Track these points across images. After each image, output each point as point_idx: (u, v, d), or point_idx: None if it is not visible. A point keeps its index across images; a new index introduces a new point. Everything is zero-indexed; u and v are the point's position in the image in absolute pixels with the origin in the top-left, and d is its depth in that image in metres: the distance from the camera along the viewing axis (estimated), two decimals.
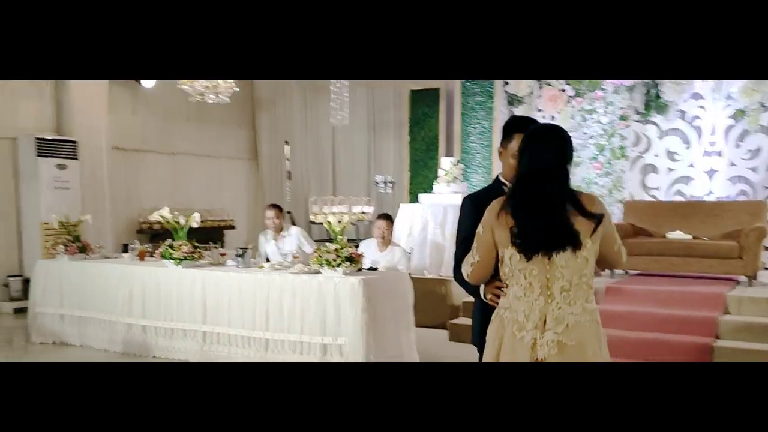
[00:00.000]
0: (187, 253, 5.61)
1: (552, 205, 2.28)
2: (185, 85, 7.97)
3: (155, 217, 5.87)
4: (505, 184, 2.72)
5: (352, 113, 10.60)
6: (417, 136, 9.81)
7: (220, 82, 8.11)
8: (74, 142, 8.58)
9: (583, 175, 8.64)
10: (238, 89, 8.37)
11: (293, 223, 8.01)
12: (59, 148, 8.36)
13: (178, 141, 10.58)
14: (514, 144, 2.59)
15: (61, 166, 8.35)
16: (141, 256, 6.13)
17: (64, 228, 6.37)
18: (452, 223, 7.23)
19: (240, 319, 5.32)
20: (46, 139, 8.25)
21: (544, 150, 2.36)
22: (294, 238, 6.34)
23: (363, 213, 8.26)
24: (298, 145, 11.18)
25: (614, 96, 8.47)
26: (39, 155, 8.15)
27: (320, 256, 5.08)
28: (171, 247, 5.64)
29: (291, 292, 5.13)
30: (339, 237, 5.15)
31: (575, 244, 2.27)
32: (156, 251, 5.88)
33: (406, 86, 10.00)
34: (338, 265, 5.01)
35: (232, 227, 10.75)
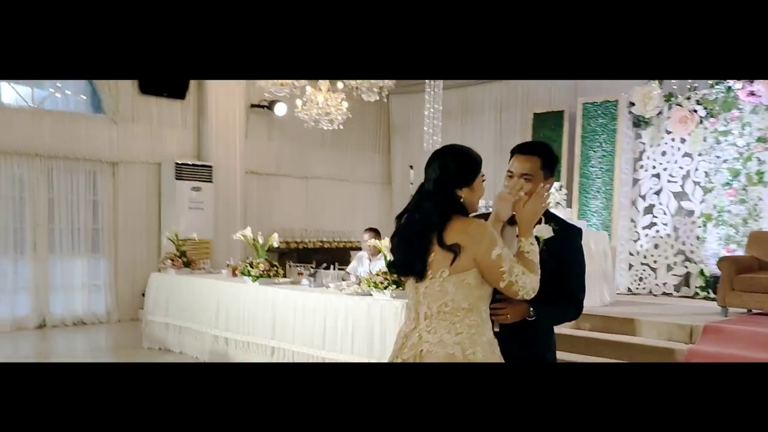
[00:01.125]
0: (263, 270, 5.98)
1: (412, 238, 2.31)
2: (302, 112, 8.48)
3: (237, 236, 6.31)
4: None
5: (479, 138, 10.61)
6: None
7: (332, 109, 8.53)
8: (209, 166, 9.46)
9: (714, 202, 7.88)
10: (350, 115, 8.72)
11: None
12: (196, 172, 9.27)
13: (313, 166, 11.21)
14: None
15: (197, 189, 9.24)
16: (233, 273, 6.61)
17: (174, 244, 7.04)
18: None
19: (302, 337, 5.56)
20: (184, 164, 9.19)
21: (426, 172, 2.36)
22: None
23: None
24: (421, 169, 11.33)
25: (751, 116, 7.65)
26: (177, 178, 9.09)
27: (370, 279, 5.18)
28: (250, 264, 6.04)
29: (344, 312, 5.28)
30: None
31: (420, 273, 2.29)
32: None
33: (531, 109, 9.81)
34: (385, 288, 5.07)
35: (359, 248, 11.12)
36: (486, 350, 2.30)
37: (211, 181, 9.45)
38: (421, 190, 2.36)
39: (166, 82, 9.32)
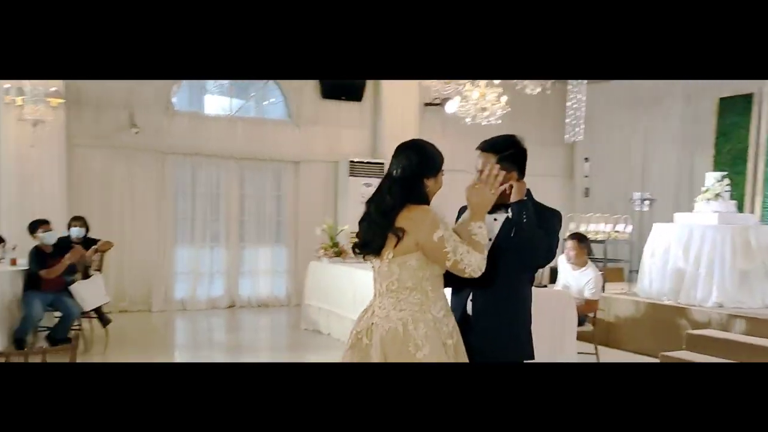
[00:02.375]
0: None
1: (377, 216, 2.55)
2: (461, 109, 8.77)
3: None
4: None
5: (666, 125, 10.02)
6: (722, 149, 8.79)
7: (489, 105, 8.69)
8: (381, 163, 10.12)
9: None
10: (509, 108, 8.80)
11: None
12: (368, 168, 10.00)
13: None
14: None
15: (368, 185, 9.95)
16: None
17: (328, 235, 7.77)
18: (697, 246, 6.51)
19: None
20: (358, 162, 9.97)
21: (396, 160, 2.65)
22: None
23: (616, 232, 7.85)
24: (600, 162, 10.93)
25: None
26: (351, 175, 9.91)
27: None
28: None
29: None
30: None
31: (374, 248, 2.56)
32: None
33: (716, 94, 9.06)
34: None
35: None
36: (429, 327, 2.51)
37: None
38: (390, 176, 2.61)
39: (345, 86, 10.17)
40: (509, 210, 2.84)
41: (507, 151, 2.93)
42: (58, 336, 6.31)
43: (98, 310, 6.68)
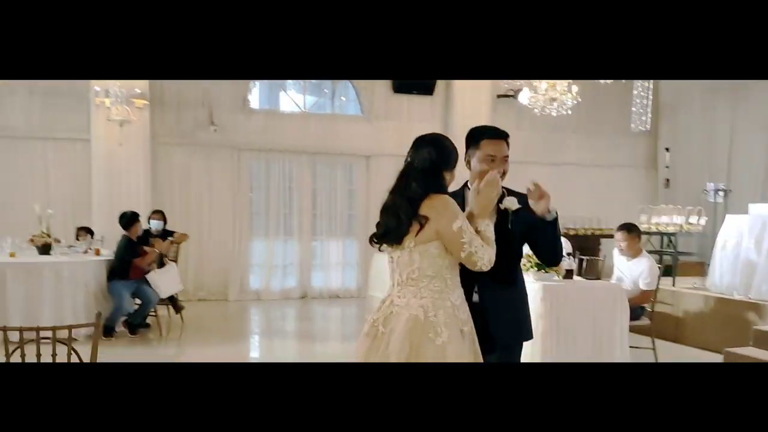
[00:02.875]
0: None
1: (403, 204, 2.62)
2: (529, 100, 8.71)
3: None
4: (468, 188, 3.00)
5: (753, 113, 9.56)
6: None
7: (558, 95, 8.58)
8: None
9: None
10: (580, 99, 8.67)
11: None
12: None
13: (563, 152, 11.21)
14: (479, 152, 2.94)
15: None
16: None
17: None
18: None
19: None
20: None
21: (417, 153, 2.70)
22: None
23: (689, 224, 7.56)
24: (683, 151, 10.52)
25: None
26: None
27: None
28: None
29: None
30: None
31: (394, 240, 2.63)
32: None
33: None
34: (526, 270, 5.23)
35: (610, 236, 10.82)
36: (448, 314, 2.61)
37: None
38: (412, 167, 2.67)
39: (417, 81, 10.28)
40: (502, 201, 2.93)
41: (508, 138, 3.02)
42: (137, 321, 6.80)
43: (172, 298, 7.14)
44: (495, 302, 2.89)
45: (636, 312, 5.59)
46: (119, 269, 6.67)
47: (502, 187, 2.95)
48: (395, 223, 2.62)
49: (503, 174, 2.95)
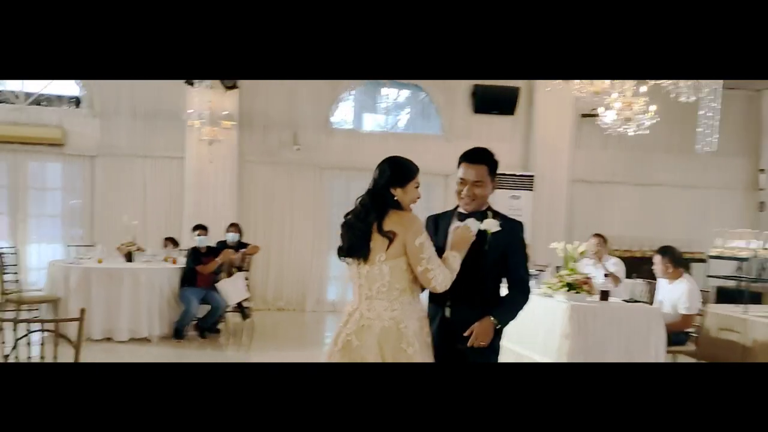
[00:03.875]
0: None
1: (356, 222, 2.87)
2: (605, 120, 8.61)
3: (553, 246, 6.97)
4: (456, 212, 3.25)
5: None
6: None
7: (632, 114, 8.42)
8: (531, 175, 10.19)
9: None
10: (658, 119, 8.46)
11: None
12: (516, 181, 10.13)
13: (653, 172, 10.88)
14: (457, 173, 3.18)
15: (515, 197, 10.08)
16: None
17: None
18: None
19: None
20: (503, 174, 10.11)
21: (374, 174, 2.98)
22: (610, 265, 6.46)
23: (765, 249, 7.14)
24: None
25: None
26: (497, 188, 10.06)
27: (547, 281, 5.43)
28: None
29: (532, 310, 5.62)
30: (572, 263, 5.35)
31: (363, 255, 2.83)
32: None
33: None
34: (557, 290, 5.27)
35: (701, 260, 10.35)
36: (416, 325, 2.84)
37: (531, 190, 10.15)
38: (372, 187, 2.93)
39: (498, 101, 10.40)
40: (481, 219, 3.08)
41: (495, 163, 3.13)
42: (206, 326, 7.36)
43: (240, 305, 7.65)
44: (465, 320, 2.99)
45: (679, 337, 5.44)
46: (188, 277, 7.27)
47: (487, 209, 3.13)
48: (355, 240, 2.83)
49: (474, 198, 3.11)
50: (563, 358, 4.99)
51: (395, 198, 2.87)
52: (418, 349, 2.77)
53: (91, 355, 6.56)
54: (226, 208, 9.37)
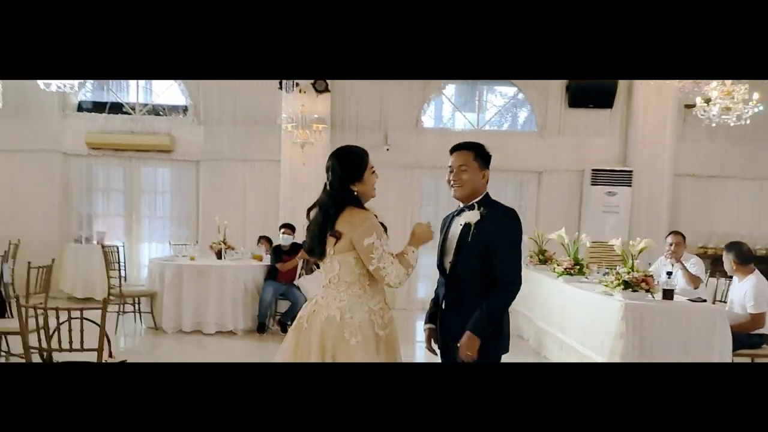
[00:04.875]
0: (566, 268, 6.46)
1: (313, 226, 3.04)
2: (699, 111, 8.17)
3: (553, 236, 6.85)
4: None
5: None
6: None
7: (732, 104, 7.91)
8: (629, 171, 9.79)
9: None
10: (760, 107, 7.91)
11: None
12: (611, 177, 9.78)
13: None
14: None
15: (611, 193, 9.73)
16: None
17: (537, 243, 7.94)
18: None
19: (571, 331, 5.92)
20: (600, 170, 9.82)
21: (327, 174, 3.08)
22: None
23: None
24: None
25: None
26: (592, 184, 9.79)
27: (604, 279, 5.27)
28: (558, 263, 6.61)
29: (585, 307, 5.52)
30: (632, 260, 5.16)
31: (318, 253, 3.01)
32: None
33: None
34: (614, 288, 5.10)
35: None
36: (364, 318, 2.94)
37: (629, 185, 9.75)
38: (325, 189, 3.07)
39: (594, 94, 10.09)
40: (468, 211, 3.11)
41: (482, 150, 3.16)
42: (287, 321, 7.71)
43: None
44: (457, 314, 3.06)
45: (753, 339, 5.08)
46: (270, 273, 7.69)
47: (480, 201, 3.16)
48: (316, 241, 2.98)
49: (460, 183, 3.19)
50: (616, 359, 4.83)
51: (356, 193, 2.98)
52: (361, 341, 2.86)
53: (181, 346, 7.12)
54: None
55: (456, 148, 3.25)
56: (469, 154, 3.19)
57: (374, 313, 2.96)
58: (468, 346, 2.94)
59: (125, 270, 9.66)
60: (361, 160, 3.02)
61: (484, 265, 3.03)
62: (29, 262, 6.05)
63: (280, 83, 9.47)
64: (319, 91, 9.83)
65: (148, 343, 7.38)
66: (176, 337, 7.40)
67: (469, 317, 3.01)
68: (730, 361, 4.86)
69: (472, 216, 3.07)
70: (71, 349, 3.73)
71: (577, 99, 10.15)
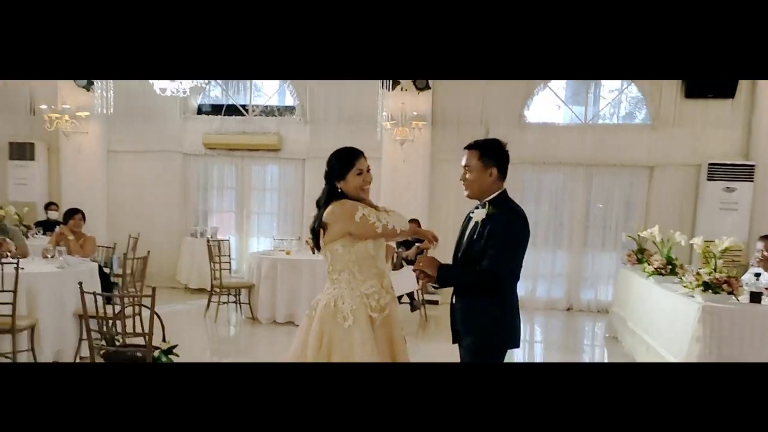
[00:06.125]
0: (656, 268, 6.11)
1: (312, 222, 3.28)
2: None
3: (645, 234, 6.48)
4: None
5: None
6: None
7: None
8: (751, 165, 9.05)
9: None
10: None
11: None
12: (730, 171, 9.07)
13: None
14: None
15: (729, 189, 9.04)
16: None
17: (636, 242, 7.55)
18: None
19: (658, 334, 5.60)
20: (718, 164, 9.16)
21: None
22: None
23: None
24: None
25: None
26: (709, 179, 9.14)
27: (683, 281, 4.94)
28: (647, 261, 6.27)
29: (667, 308, 5.21)
30: (714, 260, 4.81)
31: (315, 245, 3.28)
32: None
33: None
34: (693, 289, 4.78)
35: None
36: (356, 302, 3.12)
37: (751, 180, 9.01)
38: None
39: (714, 83, 9.42)
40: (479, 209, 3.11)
41: (489, 149, 3.14)
42: None
43: (411, 296, 7.98)
44: (464, 306, 3.14)
45: None
46: None
47: (491, 200, 3.13)
48: (312, 235, 3.24)
49: (466, 184, 3.24)
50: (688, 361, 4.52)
51: (340, 190, 3.16)
52: (353, 324, 3.04)
53: (273, 336, 7.44)
54: (417, 205, 9.78)
55: (466, 147, 3.26)
56: (473, 154, 3.20)
57: (367, 296, 3.12)
58: (427, 263, 3.03)
59: (236, 263, 10.27)
60: (347, 161, 3.19)
61: (483, 257, 3.03)
62: (124, 254, 6.55)
63: (382, 81, 9.60)
64: (419, 89, 9.88)
65: (244, 332, 7.77)
66: (270, 327, 7.74)
67: (470, 310, 3.09)
68: None
69: (479, 214, 3.10)
70: (134, 334, 4.01)
71: (695, 88, 9.50)
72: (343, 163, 3.19)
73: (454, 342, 3.22)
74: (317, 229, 3.17)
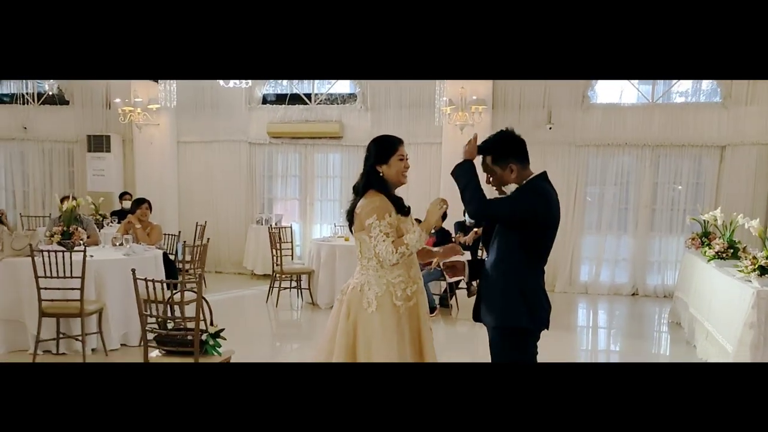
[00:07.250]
0: (717, 252, 5.92)
1: (349, 205, 3.36)
2: None
3: (706, 216, 6.26)
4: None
5: None
6: None
7: None
8: None
9: None
10: None
11: None
12: None
13: None
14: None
15: None
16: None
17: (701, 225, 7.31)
18: None
19: (714, 318, 5.44)
20: None
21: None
22: None
23: None
24: None
25: None
26: None
27: (738, 264, 4.78)
28: (709, 245, 6.07)
29: (724, 292, 5.06)
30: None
31: (351, 229, 3.38)
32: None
33: None
34: (749, 272, 4.61)
35: None
36: (381, 290, 3.20)
37: None
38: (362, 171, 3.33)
39: None
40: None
41: (499, 150, 3.14)
42: (431, 300, 7.89)
43: (467, 283, 7.98)
44: (484, 291, 3.19)
45: None
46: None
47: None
48: (348, 221, 3.34)
49: (493, 186, 3.26)
50: (745, 350, 4.38)
51: (381, 174, 3.19)
52: (376, 310, 3.11)
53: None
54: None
55: (478, 153, 3.30)
56: (487, 160, 3.24)
57: (393, 285, 3.18)
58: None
59: (300, 249, 10.51)
60: (391, 145, 3.25)
61: (502, 237, 3.09)
62: (185, 242, 6.81)
63: None
64: None
65: (303, 317, 7.97)
66: (328, 312, 7.87)
67: (490, 289, 3.12)
68: None
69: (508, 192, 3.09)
70: (184, 318, 4.18)
71: None
72: (387, 146, 3.23)
73: (475, 320, 3.23)
74: (351, 215, 3.27)
